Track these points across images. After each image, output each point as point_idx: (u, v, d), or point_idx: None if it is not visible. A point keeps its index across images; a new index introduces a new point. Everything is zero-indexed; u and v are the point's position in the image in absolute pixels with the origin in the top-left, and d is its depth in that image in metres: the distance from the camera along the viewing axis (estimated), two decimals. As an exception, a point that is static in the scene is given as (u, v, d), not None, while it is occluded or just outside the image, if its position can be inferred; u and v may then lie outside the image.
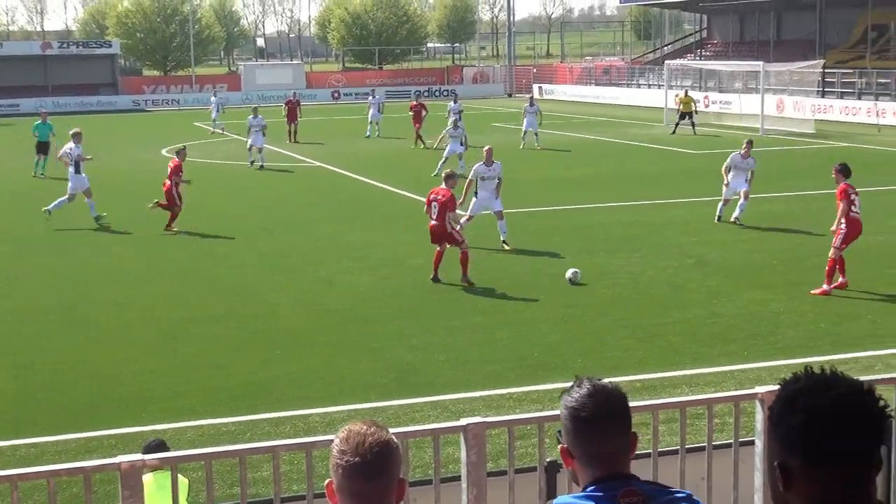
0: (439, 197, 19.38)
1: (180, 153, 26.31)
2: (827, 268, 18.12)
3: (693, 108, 49.36)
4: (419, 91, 64.15)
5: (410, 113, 46.12)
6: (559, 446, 3.54)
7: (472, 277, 19.44)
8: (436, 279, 19.48)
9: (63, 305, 18.48)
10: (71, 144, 27.34)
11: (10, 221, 27.96)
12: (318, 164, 39.59)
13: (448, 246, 19.53)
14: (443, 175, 20.13)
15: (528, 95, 57.54)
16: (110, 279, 20.57)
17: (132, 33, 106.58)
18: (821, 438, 2.58)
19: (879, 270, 19.48)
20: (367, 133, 50.55)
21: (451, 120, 38.36)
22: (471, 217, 22.69)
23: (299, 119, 49.37)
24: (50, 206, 26.77)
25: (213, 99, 57.88)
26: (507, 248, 22.39)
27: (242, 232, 25.36)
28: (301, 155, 43.01)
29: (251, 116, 39.37)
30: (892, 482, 7.19)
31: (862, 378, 3.16)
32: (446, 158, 34.89)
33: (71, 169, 27.12)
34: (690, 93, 51.85)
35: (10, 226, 27.20)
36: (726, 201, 24.81)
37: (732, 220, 24.37)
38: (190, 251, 23.22)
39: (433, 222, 19.40)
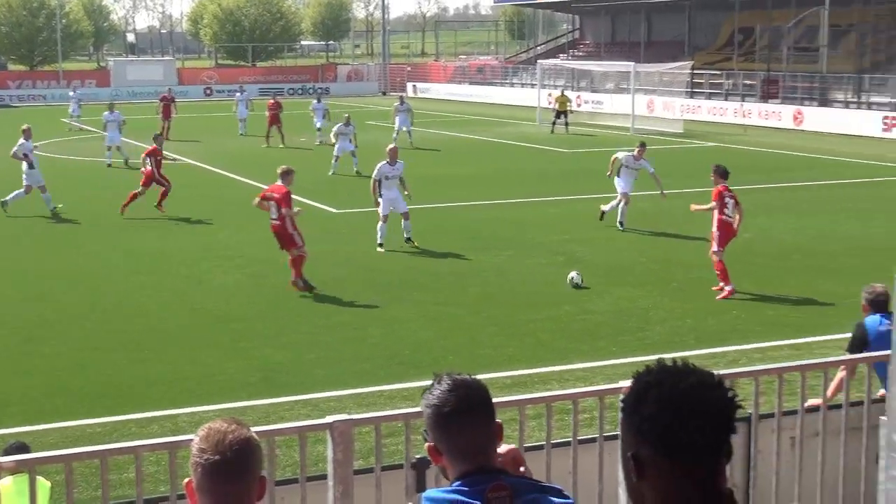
0: (275, 195, 18.65)
1: (157, 139, 28.05)
2: (717, 271, 18.23)
3: (568, 108, 49.89)
4: (278, 90, 63.31)
5: (267, 113, 45.34)
6: (426, 445, 3.53)
7: (343, 276, 19.38)
8: (307, 286, 18.61)
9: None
10: (21, 140, 27.48)
11: None
12: (189, 161, 39.05)
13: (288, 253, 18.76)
14: (279, 171, 19.15)
15: (399, 94, 57.50)
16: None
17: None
18: (671, 429, 2.61)
19: (743, 268, 19.91)
20: (241, 131, 49.94)
21: (344, 116, 38.27)
22: (385, 217, 22.17)
23: (174, 116, 48.53)
24: (7, 198, 27.26)
25: (71, 94, 57.00)
26: (414, 244, 22.19)
27: (106, 230, 24.90)
28: (171, 152, 42.34)
29: (107, 112, 38.65)
30: (750, 472, 7.37)
31: (724, 372, 3.23)
32: (338, 157, 34.79)
33: (24, 165, 27.35)
34: (566, 92, 52.36)
35: None
36: (620, 201, 24.16)
37: (618, 221, 24.03)
38: (51, 249, 22.70)
39: (275, 222, 18.63)
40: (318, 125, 45.12)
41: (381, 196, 22.25)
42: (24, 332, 16.23)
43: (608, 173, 24.96)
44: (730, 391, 2.67)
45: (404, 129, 43.37)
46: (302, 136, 45.80)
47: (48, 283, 19.47)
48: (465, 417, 3.47)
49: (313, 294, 18.35)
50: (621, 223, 24.20)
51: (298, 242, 18.65)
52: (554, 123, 49.35)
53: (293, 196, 19.15)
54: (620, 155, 24.75)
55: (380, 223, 22.15)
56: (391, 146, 23.58)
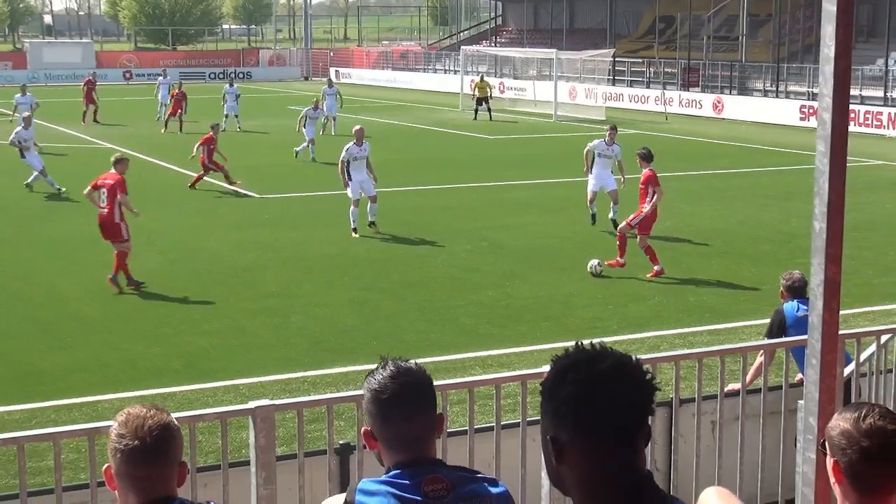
0: (108, 182, 17.83)
1: (214, 128, 28.64)
2: (646, 254, 18.46)
3: (488, 94, 49.88)
4: (199, 74, 62.27)
5: (170, 100, 44.76)
6: (363, 429, 3.49)
7: (266, 262, 19.31)
8: (133, 282, 17.75)
9: None
10: (19, 128, 28.26)
11: None
12: (108, 145, 38.53)
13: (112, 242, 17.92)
14: (112, 159, 18.33)
15: (327, 78, 56.97)
16: None
17: None
18: (588, 411, 2.63)
19: (665, 254, 20.12)
20: (160, 115, 49.22)
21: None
22: (356, 201, 22.01)
23: (97, 102, 47.91)
24: (30, 180, 27.89)
25: None
26: (378, 230, 22.10)
27: (20, 216, 24.52)
28: (90, 136, 41.83)
29: (18, 95, 38.09)
30: (672, 455, 7.46)
31: (645, 357, 3.25)
32: (312, 141, 34.44)
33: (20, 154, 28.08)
34: (486, 78, 52.39)
35: None
36: (593, 197, 22.81)
37: (610, 219, 22.45)
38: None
39: (103, 210, 17.74)
40: (227, 111, 44.46)
41: (350, 179, 22.18)
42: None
43: (585, 170, 23.21)
44: (647, 373, 2.70)
45: (330, 114, 42.17)
46: (238, 180, 45.41)
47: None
48: (404, 405, 3.43)
49: (246, 277, 18.23)
50: (613, 220, 22.28)
51: (124, 236, 17.85)
52: (476, 111, 49.31)
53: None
54: (592, 144, 23.25)
55: (351, 208, 22.05)
56: (357, 127, 23.31)
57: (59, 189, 27.32)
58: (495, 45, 78.03)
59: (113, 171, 18.11)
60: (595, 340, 2.79)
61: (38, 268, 19.50)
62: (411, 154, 35.90)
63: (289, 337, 14.99)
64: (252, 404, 5.97)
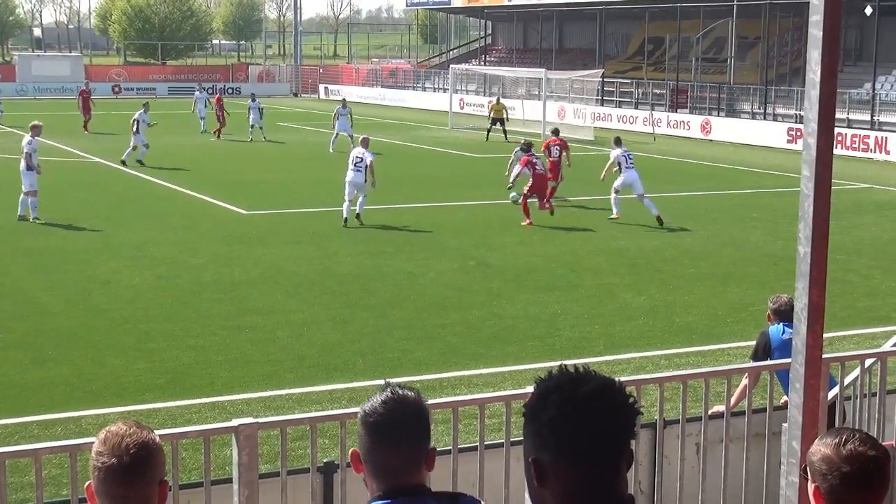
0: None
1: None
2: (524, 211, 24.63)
3: (504, 115, 49.80)
4: (188, 89, 62.64)
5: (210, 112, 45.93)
6: (351, 450, 3.44)
7: (252, 278, 19.32)
8: None
9: None
10: (28, 137, 25.82)
11: None
12: (95, 159, 38.52)
13: None
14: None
15: (342, 98, 56.91)
16: None
17: None
18: (570, 433, 2.63)
19: (652, 274, 20.18)
20: (203, 129, 49.77)
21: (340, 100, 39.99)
22: (350, 200, 25.03)
23: (93, 112, 49.82)
24: (31, 214, 25.17)
25: None
26: (361, 222, 24.93)
27: (2, 228, 24.44)
28: (76, 149, 41.78)
29: None
30: (656, 477, 7.46)
31: (629, 378, 3.26)
32: (338, 134, 40.49)
33: (23, 165, 25.37)
34: (502, 100, 52.34)
35: None
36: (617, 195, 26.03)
37: (657, 218, 25.27)
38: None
39: None
40: (252, 122, 46.60)
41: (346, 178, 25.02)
42: (-77, 331, 15.88)
43: (602, 177, 26.89)
44: (630, 397, 2.70)
45: (344, 133, 43.13)
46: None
47: (-52, 282, 19.09)
48: (391, 432, 3.35)
49: (231, 293, 18.20)
50: (659, 219, 25.40)
51: None
52: (489, 130, 49.13)
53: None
54: (614, 154, 26.22)
55: (345, 203, 25.08)
56: (363, 136, 26.37)
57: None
58: (485, 64, 78.21)
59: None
60: (580, 361, 2.80)
61: (18, 280, 19.43)
62: (400, 171, 35.88)
63: (273, 354, 14.96)
64: (235, 422, 5.95)
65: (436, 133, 52.43)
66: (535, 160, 25.81)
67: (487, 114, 51.22)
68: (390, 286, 19.12)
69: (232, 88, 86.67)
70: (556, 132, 31.06)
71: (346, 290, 18.74)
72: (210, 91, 57.79)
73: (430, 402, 7.24)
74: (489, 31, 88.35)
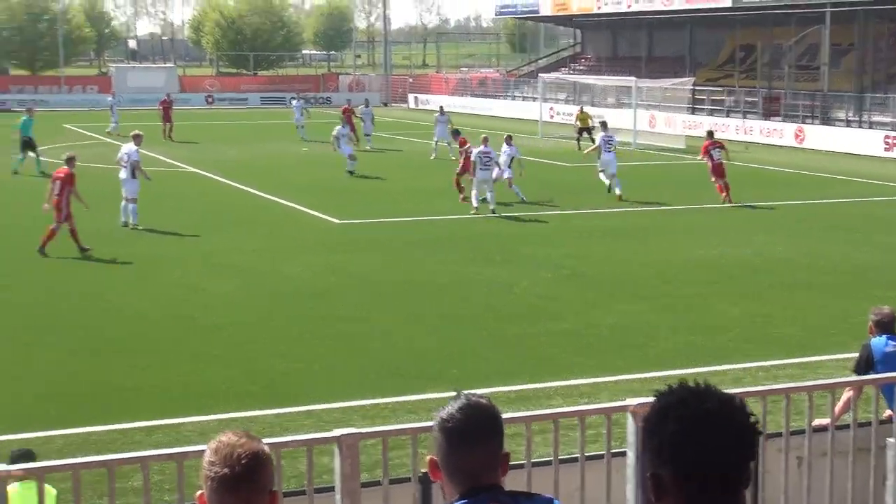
0: (61, 175, 22.64)
1: (70, 161, 23.45)
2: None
3: (589, 124, 49.62)
4: (279, 99, 63.37)
5: (342, 115, 46.31)
6: (428, 458, 3.51)
7: (345, 285, 19.42)
8: (84, 249, 22.41)
9: None
10: (132, 147, 26.36)
11: None
12: (187, 167, 39.05)
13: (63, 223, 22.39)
14: (64, 157, 23.44)
15: (439, 105, 57.17)
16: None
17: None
18: (690, 450, 2.60)
19: (746, 286, 19.94)
20: (302, 136, 50.49)
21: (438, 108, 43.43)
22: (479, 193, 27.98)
23: (173, 121, 51.02)
24: (131, 220, 25.80)
25: (109, 99, 57.31)
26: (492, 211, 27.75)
27: (99, 236, 24.84)
28: (169, 158, 42.40)
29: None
30: (758, 492, 7.34)
31: (730, 391, 3.22)
32: (437, 141, 42.61)
33: (125, 174, 25.95)
34: (585, 109, 52.18)
35: None
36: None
37: (618, 197, 30.15)
38: (45, 257, 22.55)
39: (56, 197, 22.36)
40: (366, 131, 47.14)
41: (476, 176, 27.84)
42: (20, 337, 16.21)
43: (586, 152, 32.59)
44: (751, 415, 2.66)
45: (444, 141, 43.62)
46: (304, 147, 45.87)
47: (44, 288, 19.45)
48: (467, 436, 3.45)
49: (324, 300, 18.33)
50: (620, 197, 30.24)
51: (62, 219, 22.46)
52: (578, 140, 48.97)
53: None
54: (599, 137, 31.87)
55: (474, 191, 27.95)
56: (484, 135, 30.03)
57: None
58: (574, 73, 77.99)
59: (66, 167, 22.81)
60: (676, 373, 2.77)
61: (117, 287, 19.74)
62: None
63: (368, 363, 15.02)
64: (337, 432, 5.98)
65: (526, 142, 52.13)
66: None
67: (574, 124, 51.05)
68: (483, 295, 19.11)
69: (322, 98, 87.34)
70: (710, 134, 32.81)
71: (439, 300, 18.77)
72: (308, 101, 58.14)
73: (530, 413, 7.23)
74: (578, 40, 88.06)
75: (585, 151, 31.99)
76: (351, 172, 36.20)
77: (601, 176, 31.61)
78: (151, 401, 13.30)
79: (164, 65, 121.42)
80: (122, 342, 15.99)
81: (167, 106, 51.63)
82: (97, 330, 16.70)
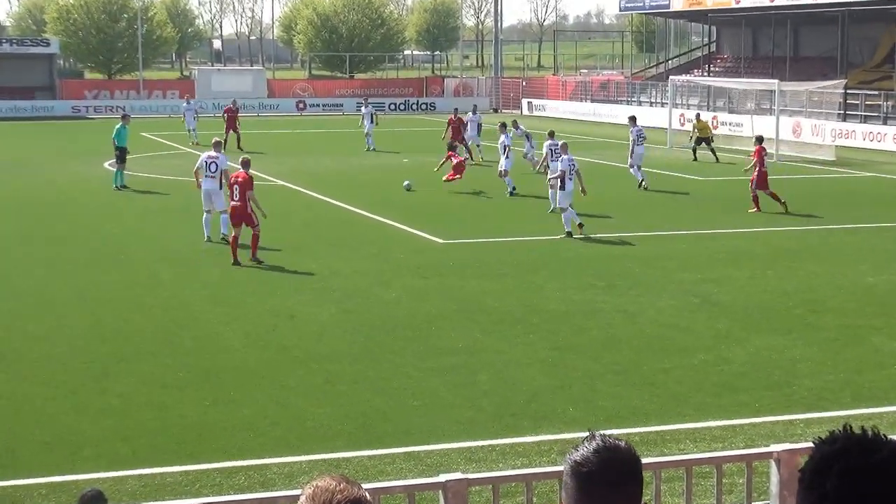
0: (239, 179, 24.19)
1: (246, 164, 25.09)
2: None
3: (709, 134, 49.11)
4: (378, 105, 63.70)
5: (448, 129, 46.52)
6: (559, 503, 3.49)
7: (449, 313, 19.46)
8: (236, 263, 23.78)
9: (-17, 335, 18.34)
10: (216, 154, 27.24)
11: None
12: (278, 182, 39.48)
13: (243, 227, 24.08)
14: (241, 161, 25.13)
15: (472, 105, 57.39)
16: (34, 307, 20.39)
17: (73, 31, 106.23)
18: None
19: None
20: (370, 146, 51.32)
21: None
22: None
23: (240, 129, 52.13)
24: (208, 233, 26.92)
25: (185, 106, 58.31)
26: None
27: (182, 256, 25.25)
28: (257, 171, 42.93)
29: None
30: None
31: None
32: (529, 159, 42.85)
33: (212, 184, 26.86)
34: (702, 116, 51.68)
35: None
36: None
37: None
38: (124, 277, 22.98)
39: (236, 203, 24.03)
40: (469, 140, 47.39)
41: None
42: (98, 367, 16.49)
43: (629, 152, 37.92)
44: None
45: (475, 143, 46.39)
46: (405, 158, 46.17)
47: (123, 316, 19.77)
48: (604, 481, 3.43)
49: (425, 330, 18.38)
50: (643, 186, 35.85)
51: (255, 222, 24.17)
52: (695, 150, 48.62)
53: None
54: (633, 131, 38.00)
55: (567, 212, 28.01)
56: (562, 142, 30.51)
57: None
58: (708, 75, 77.39)
59: (242, 169, 24.38)
60: (824, 416, 2.70)
61: (198, 313, 20.02)
62: (608, 195, 35.74)
63: (474, 399, 15.00)
64: (443, 477, 5.97)
65: (651, 152, 51.88)
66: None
67: (691, 133, 50.34)
68: (603, 325, 19.00)
69: (426, 104, 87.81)
70: (760, 139, 34.02)
71: (553, 329, 18.70)
72: (377, 106, 58.40)
73: (659, 459, 7.14)
74: (713, 38, 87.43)
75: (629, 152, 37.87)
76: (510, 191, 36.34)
77: (632, 171, 37.57)
78: (233, 439, 13.42)
79: (251, 67, 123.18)
80: (203, 374, 16.17)
81: (233, 114, 52.30)
82: (176, 358, 16.92)
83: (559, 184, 28.17)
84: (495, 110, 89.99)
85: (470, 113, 49.25)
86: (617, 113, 75.32)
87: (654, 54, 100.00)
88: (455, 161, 36.88)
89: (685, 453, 11.14)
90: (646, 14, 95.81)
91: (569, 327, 18.85)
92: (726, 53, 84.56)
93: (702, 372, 16.28)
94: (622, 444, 3.51)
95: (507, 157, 35.91)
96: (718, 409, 14.52)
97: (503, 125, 37.79)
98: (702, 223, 29.99)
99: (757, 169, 31.86)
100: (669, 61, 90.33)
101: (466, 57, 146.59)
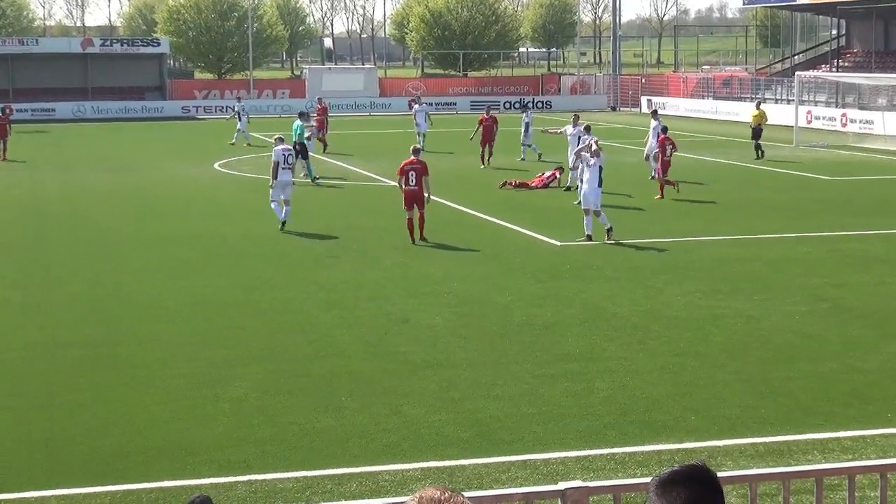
0: (416, 166, 27.16)
1: (418, 151, 28.41)
2: None
3: (762, 125, 48.39)
4: (490, 104, 63.31)
5: (479, 128, 46.28)
6: None
7: (567, 318, 19.45)
8: (418, 240, 26.91)
9: (91, 340, 18.66)
10: (286, 146, 31.22)
11: (43, 248, 28.43)
12: (386, 182, 39.67)
13: (419, 211, 27.03)
14: (413, 149, 28.07)
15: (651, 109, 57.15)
16: (145, 311, 20.73)
17: (184, 31, 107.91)
18: None
19: None
20: (420, 144, 51.18)
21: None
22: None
23: (327, 128, 52.94)
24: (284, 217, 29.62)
25: (236, 106, 59.00)
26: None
27: (296, 259, 25.51)
28: (366, 170, 43.25)
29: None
30: None
31: None
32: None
33: (288, 176, 30.14)
34: (762, 107, 50.78)
35: (41, 254, 27.65)
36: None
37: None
38: (236, 281, 23.29)
39: (413, 188, 27.00)
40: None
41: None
42: (209, 372, 16.73)
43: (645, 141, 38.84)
44: None
45: (527, 144, 47.42)
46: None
47: (235, 320, 20.03)
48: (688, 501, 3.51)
49: (541, 336, 18.38)
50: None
51: (422, 206, 27.17)
52: (758, 146, 47.96)
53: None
54: (653, 124, 39.30)
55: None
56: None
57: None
58: (837, 70, 76.30)
59: (414, 157, 27.40)
60: None
61: (314, 317, 20.21)
62: (732, 196, 35.46)
63: (592, 406, 14.98)
64: (563, 485, 5.98)
65: (777, 151, 51.34)
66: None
67: (751, 124, 49.51)
68: (727, 331, 18.85)
69: (542, 102, 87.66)
70: (664, 128, 37.12)
71: (674, 335, 18.59)
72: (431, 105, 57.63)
73: (785, 469, 7.08)
74: (842, 32, 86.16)
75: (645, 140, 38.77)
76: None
77: (648, 161, 40.01)
78: (346, 447, 13.54)
79: (363, 66, 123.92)
80: (317, 380, 16.33)
81: (322, 114, 52.62)
82: (288, 364, 17.10)
83: (597, 182, 27.23)
84: (613, 108, 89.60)
85: (523, 114, 48.78)
86: (739, 110, 74.49)
87: (780, 49, 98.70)
88: (547, 175, 38.70)
89: (814, 464, 11.02)
90: (771, 7, 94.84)
91: (691, 333, 18.73)
92: (856, 47, 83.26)
93: (830, 381, 16.08)
94: (698, 463, 3.61)
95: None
96: (848, 419, 14.34)
97: (655, 112, 41.53)
98: (827, 225, 29.58)
99: (660, 158, 35.16)
100: (795, 56, 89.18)
101: (583, 54, 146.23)
